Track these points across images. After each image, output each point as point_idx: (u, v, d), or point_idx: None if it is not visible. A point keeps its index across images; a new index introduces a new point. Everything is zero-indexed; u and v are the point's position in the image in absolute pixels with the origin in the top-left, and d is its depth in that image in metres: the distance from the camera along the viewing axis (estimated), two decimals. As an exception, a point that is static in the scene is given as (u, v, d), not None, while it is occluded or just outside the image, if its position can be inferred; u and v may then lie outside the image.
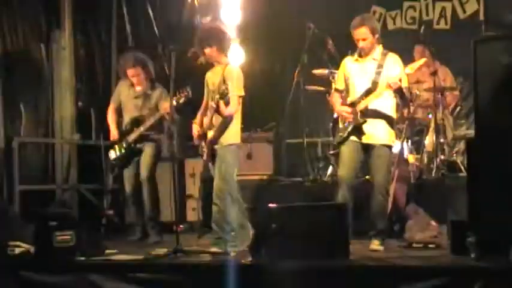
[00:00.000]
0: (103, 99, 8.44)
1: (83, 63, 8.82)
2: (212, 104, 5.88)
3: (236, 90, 5.87)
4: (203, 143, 6.02)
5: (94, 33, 8.91)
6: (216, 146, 5.92)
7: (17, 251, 5.73)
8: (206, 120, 6.00)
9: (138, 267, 5.27)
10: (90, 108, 8.70)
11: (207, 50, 5.98)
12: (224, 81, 5.88)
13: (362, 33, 5.89)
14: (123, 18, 8.97)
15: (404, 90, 5.98)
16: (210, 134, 5.94)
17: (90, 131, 8.61)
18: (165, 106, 6.40)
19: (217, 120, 5.91)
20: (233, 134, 5.96)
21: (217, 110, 5.85)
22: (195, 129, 6.09)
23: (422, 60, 6.05)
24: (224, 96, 5.80)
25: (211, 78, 6.06)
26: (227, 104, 5.85)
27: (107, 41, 8.94)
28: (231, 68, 6.00)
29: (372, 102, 5.84)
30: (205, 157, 6.00)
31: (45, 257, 5.50)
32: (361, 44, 5.91)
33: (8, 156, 7.68)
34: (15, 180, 7.58)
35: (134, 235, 6.79)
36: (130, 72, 6.69)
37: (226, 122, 5.88)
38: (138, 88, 6.71)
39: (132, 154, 6.68)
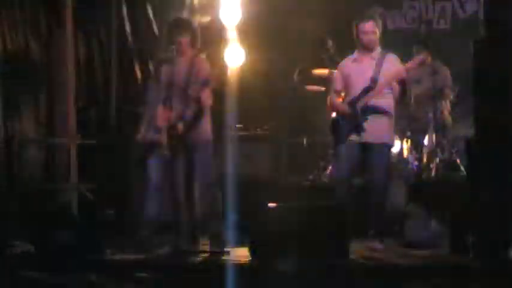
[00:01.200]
0: (103, 99, 8.43)
1: (83, 63, 8.80)
2: (191, 92, 5.71)
3: (208, 81, 5.75)
4: (164, 136, 5.81)
5: (94, 33, 8.90)
6: (194, 143, 5.85)
7: (17, 251, 5.73)
8: (174, 113, 5.82)
9: (138, 267, 5.27)
10: (90, 108, 8.69)
11: (178, 37, 5.81)
12: (193, 72, 5.73)
13: (371, 26, 5.89)
14: (123, 18, 8.95)
15: (407, 84, 5.98)
16: (179, 126, 5.76)
17: (90, 131, 8.60)
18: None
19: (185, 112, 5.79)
20: (209, 130, 5.92)
21: (198, 100, 5.70)
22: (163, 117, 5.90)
23: (424, 56, 6.04)
24: (207, 84, 5.69)
25: (176, 68, 5.84)
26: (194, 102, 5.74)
27: (107, 41, 8.92)
28: (200, 58, 5.87)
29: (372, 100, 5.84)
30: (166, 150, 5.86)
31: (45, 257, 5.50)
32: (369, 37, 5.89)
33: (8, 156, 7.67)
34: (15, 180, 7.57)
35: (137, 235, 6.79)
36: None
37: (202, 113, 5.80)
38: None
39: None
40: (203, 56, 5.94)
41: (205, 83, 5.69)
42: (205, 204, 5.87)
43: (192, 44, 5.89)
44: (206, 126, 5.89)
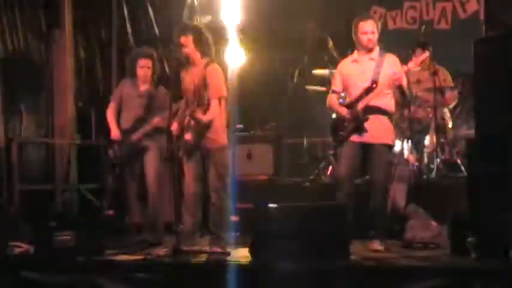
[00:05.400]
0: (103, 99, 8.44)
1: (83, 63, 8.81)
2: (188, 112, 5.83)
3: (218, 92, 5.86)
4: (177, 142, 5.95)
5: (94, 33, 8.91)
6: (209, 147, 5.90)
7: (17, 251, 5.73)
8: (186, 121, 5.91)
9: (138, 267, 5.27)
10: (90, 108, 8.70)
11: (183, 40, 5.89)
12: (204, 82, 5.82)
13: (370, 26, 5.89)
14: (123, 18, 8.96)
15: (405, 89, 5.98)
16: (187, 134, 5.87)
17: (90, 131, 8.60)
18: (156, 120, 6.42)
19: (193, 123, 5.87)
20: (224, 135, 5.97)
21: (194, 118, 5.78)
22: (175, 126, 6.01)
23: (425, 55, 6.03)
24: (202, 105, 5.78)
25: (188, 77, 5.97)
26: (207, 107, 5.81)
27: (107, 41, 8.93)
28: (212, 68, 5.93)
29: (372, 101, 5.84)
30: (181, 153, 5.96)
31: (45, 257, 5.50)
32: (368, 37, 5.89)
33: (8, 156, 7.67)
34: (15, 180, 7.57)
35: (136, 235, 6.78)
36: (141, 62, 6.63)
37: (206, 126, 5.85)
38: (143, 87, 6.67)
39: (134, 153, 6.63)
40: (215, 66, 5.99)
41: (217, 94, 5.79)
42: (217, 212, 5.88)
43: (201, 50, 5.93)
44: (220, 132, 5.94)
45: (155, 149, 6.53)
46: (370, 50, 5.94)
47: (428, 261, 5.22)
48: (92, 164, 8.09)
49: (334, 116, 6.28)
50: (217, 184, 5.86)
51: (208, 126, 5.84)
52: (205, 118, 5.80)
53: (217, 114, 5.88)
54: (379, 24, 6.07)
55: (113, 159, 6.69)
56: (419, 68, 6.91)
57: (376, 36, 5.93)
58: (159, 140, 6.53)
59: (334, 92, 6.17)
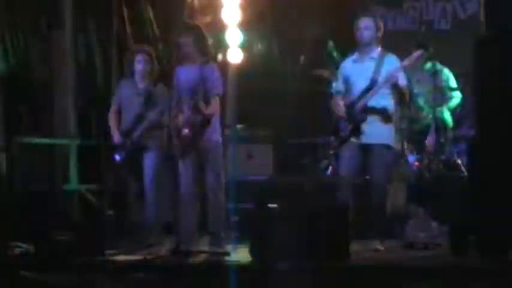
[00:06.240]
0: (103, 99, 8.43)
1: (83, 63, 8.81)
2: (191, 104, 5.82)
3: (216, 90, 5.88)
4: (175, 139, 5.96)
5: (94, 33, 8.90)
6: (204, 145, 5.89)
7: (17, 251, 5.73)
8: (181, 118, 5.91)
9: (138, 267, 5.27)
10: (90, 108, 8.69)
11: (183, 40, 5.92)
12: (203, 79, 5.83)
13: (364, 22, 5.90)
14: (123, 18, 8.96)
15: (402, 88, 5.96)
16: (185, 130, 5.86)
17: (90, 131, 8.60)
18: (153, 116, 6.45)
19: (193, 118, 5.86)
20: (219, 133, 5.98)
21: (198, 111, 5.79)
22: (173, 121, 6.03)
23: (419, 52, 6.02)
24: (207, 98, 5.78)
25: (185, 74, 5.97)
26: (207, 103, 5.83)
27: (107, 41, 8.93)
28: (211, 65, 5.95)
29: (372, 101, 5.84)
30: (177, 152, 5.96)
31: (45, 257, 5.50)
32: (361, 32, 5.90)
33: (8, 156, 7.67)
34: (15, 181, 7.57)
35: (136, 235, 6.78)
36: (139, 57, 6.63)
37: (207, 121, 5.86)
38: (141, 84, 6.66)
39: (137, 152, 6.63)
40: (213, 63, 5.99)
41: (214, 91, 5.80)
42: (215, 212, 5.87)
43: (200, 49, 5.94)
44: (214, 130, 5.94)
45: (155, 148, 6.53)
46: (367, 47, 5.94)
47: (428, 261, 5.22)
48: (92, 164, 8.08)
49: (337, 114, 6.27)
50: (214, 183, 5.85)
51: (208, 120, 5.83)
52: (208, 111, 5.80)
53: (216, 111, 5.89)
54: (380, 23, 6.06)
55: (117, 162, 6.68)
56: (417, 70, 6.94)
57: (370, 33, 5.92)
58: (158, 139, 6.53)
59: (337, 92, 6.18)
